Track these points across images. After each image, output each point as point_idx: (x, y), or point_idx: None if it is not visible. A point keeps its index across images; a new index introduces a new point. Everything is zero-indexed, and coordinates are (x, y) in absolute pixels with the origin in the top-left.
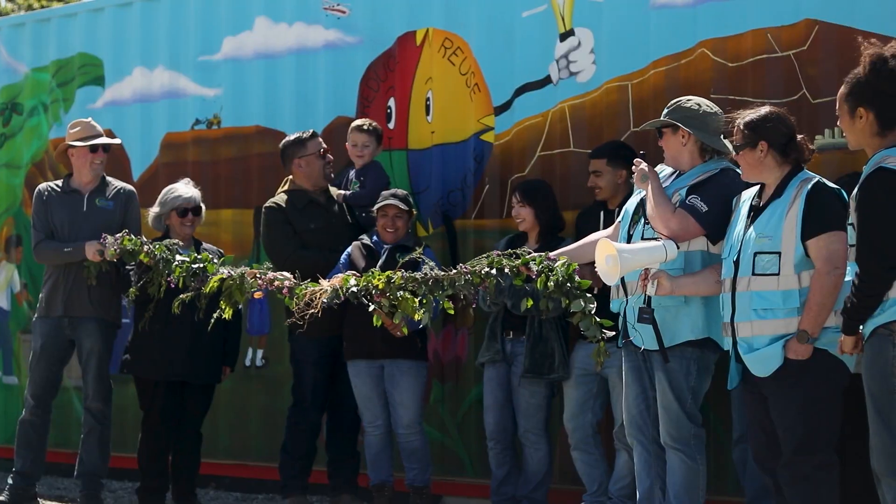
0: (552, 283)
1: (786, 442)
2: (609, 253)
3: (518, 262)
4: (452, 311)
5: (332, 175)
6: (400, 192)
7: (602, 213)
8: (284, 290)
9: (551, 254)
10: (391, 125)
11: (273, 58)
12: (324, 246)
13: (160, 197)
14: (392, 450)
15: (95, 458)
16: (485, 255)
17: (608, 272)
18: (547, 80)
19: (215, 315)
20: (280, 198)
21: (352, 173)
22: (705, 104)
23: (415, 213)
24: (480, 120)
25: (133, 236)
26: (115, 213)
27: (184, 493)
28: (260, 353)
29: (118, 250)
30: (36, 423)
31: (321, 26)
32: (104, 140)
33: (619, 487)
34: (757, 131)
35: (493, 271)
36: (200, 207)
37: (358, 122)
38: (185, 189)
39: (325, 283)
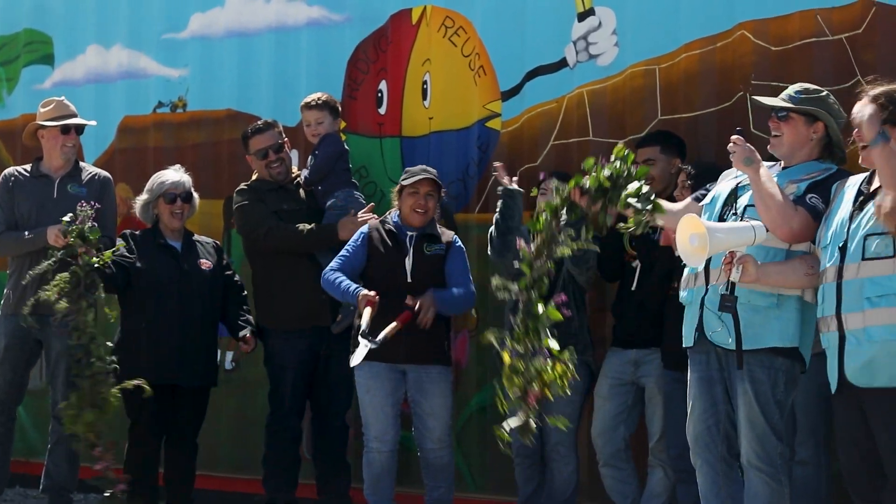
0: (604, 175)
1: (892, 466)
2: (697, 231)
3: (568, 187)
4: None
5: (283, 174)
6: (430, 168)
7: None
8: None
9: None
10: (382, 110)
11: (248, 36)
12: None
13: (148, 184)
14: (396, 471)
15: (64, 472)
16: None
17: (693, 253)
18: (562, 63)
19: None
20: (250, 182)
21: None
22: (833, 98)
23: (445, 191)
24: (486, 105)
25: (95, 225)
26: (88, 201)
27: None
28: (230, 355)
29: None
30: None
31: (303, 2)
32: (78, 120)
33: None
34: None
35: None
36: (191, 194)
37: (306, 98)
38: (173, 174)
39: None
